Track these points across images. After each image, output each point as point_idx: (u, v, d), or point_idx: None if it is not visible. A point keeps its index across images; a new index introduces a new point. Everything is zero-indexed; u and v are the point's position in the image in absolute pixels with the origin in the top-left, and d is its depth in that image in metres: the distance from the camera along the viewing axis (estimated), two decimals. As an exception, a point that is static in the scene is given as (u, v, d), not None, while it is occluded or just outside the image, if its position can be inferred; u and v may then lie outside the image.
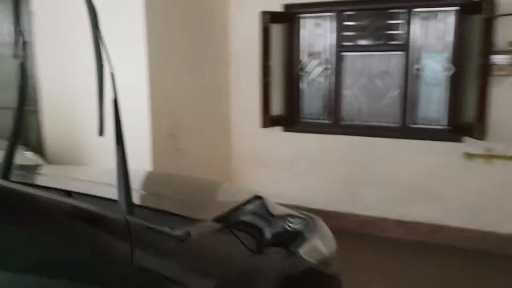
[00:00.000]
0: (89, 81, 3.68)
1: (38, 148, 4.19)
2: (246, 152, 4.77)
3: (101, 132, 1.19)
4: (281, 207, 1.82)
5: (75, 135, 3.88)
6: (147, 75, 3.54)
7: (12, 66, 4.29)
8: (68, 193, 1.33)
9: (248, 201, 1.64)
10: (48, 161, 4.01)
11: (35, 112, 4.21)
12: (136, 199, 1.41)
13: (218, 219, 1.39)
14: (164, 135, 3.78)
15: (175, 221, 1.25)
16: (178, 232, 1.15)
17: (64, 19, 3.77)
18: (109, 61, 1.22)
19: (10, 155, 1.27)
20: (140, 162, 3.59)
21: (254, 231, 1.51)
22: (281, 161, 4.67)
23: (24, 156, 3.50)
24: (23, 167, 2.14)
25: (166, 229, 1.13)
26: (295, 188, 4.57)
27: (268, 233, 1.50)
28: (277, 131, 4.63)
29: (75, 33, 3.56)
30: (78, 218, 0.98)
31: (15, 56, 1.28)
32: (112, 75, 1.25)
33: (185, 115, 4.03)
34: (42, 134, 4.15)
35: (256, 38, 4.40)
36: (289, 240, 1.53)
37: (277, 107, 4.55)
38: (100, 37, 1.19)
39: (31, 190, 1.02)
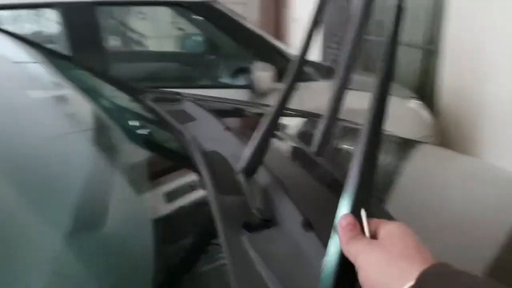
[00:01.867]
0: (500, 36, 2.77)
1: (428, 96, 3.66)
2: None
3: (319, 150, 0.61)
4: None
5: (476, 93, 3.10)
6: None
7: (420, 1, 3.80)
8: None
9: None
10: (438, 115, 3.42)
11: (434, 53, 3.64)
12: None
13: None
14: None
15: None
16: None
17: None
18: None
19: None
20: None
21: None
22: None
23: (405, 104, 2.99)
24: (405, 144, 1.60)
25: None
26: None
27: None
28: None
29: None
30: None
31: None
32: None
33: None
34: (437, 81, 3.57)
35: None
36: None
37: None
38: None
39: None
